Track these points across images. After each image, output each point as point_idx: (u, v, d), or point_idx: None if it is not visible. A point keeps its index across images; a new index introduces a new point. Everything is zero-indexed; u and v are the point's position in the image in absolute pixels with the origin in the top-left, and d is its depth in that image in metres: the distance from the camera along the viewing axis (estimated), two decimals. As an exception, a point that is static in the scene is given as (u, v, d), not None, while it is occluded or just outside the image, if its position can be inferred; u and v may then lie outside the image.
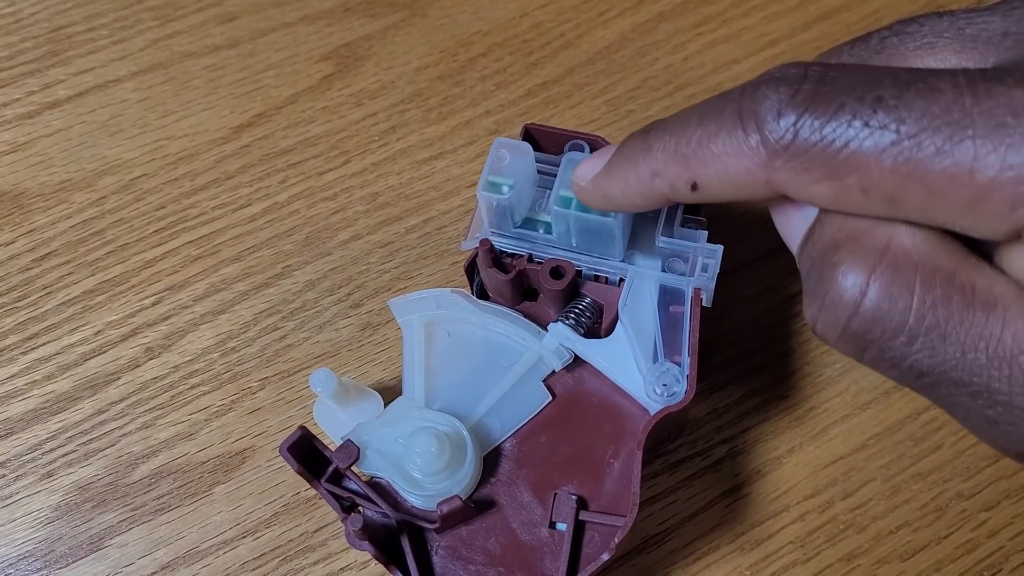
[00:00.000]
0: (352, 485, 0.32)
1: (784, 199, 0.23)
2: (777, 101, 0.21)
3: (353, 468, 0.31)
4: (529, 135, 0.35)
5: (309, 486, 0.31)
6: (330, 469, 0.31)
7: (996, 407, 0.20)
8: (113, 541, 0.36)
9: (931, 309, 0.20)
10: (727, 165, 0.22)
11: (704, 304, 0.32)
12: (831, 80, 0.21)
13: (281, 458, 0.30)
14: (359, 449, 0.31)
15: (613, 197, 0.27)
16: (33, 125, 0.45)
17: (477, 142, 0.44)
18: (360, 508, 0.31)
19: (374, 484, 0.32)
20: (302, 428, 0.31)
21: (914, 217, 0.20)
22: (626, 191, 0.26)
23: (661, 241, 0.32)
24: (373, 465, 0.32)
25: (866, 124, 0.20)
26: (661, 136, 0.24)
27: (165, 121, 0.45)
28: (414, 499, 0.31)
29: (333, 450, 0.31)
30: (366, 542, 0.29)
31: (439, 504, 0.30)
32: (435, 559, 0.31)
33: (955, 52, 0.22)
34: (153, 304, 0.40)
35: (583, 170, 0.28)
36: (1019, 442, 0.20)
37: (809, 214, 0.22)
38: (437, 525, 0.31)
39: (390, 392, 0.34)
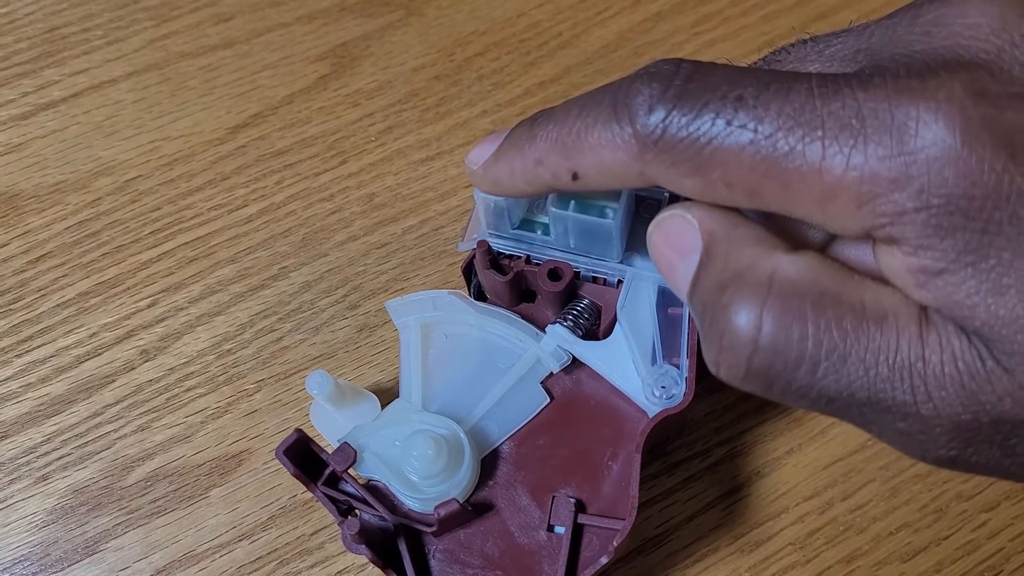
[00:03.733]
0: (349, 488, 0.31)
1: (666, 245, 0.24)
2: (649, 96, 0.21)
3: (350, 471, 0.31)
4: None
5: (306, 489, 0.31)
6: (327, 472, 0.31)
7: (907, 419, 0.20)
8: (108, 545, 0.36)
9: (826, 333, 0.20)
10: (603, 157, 0.23)
11: None
12: (700, 77, 0.21)
13: (277, 461, 0.30)
14: (356, 452, 0.31)
15: (501, 182, 0.27)
16: (28, 126, 0.45)
17: (474, 142, 0.43)
18: (357, 512, 0.31)
19: (371, 487, 0.32)
20: (298, 431, 0.31)
21: (775, 209, 0.21)
22: (512, 177, 0.26)
23: None
24: (370, 468, 0.31)
25: (728, 123, 0.20)
26: (545, 125, 0.25)
27: (161, 122, 0.45)
28: (411, 502, 0.31)
29: (330, 453, 0.31)
30: (363, 546, 0.29)
31: (436, 507, 0.30)
32: (432, 563, 0.31)
33: (819, 71, 0.23)
34: (148, 306, 0.40)
35: (474, 155, 0.28)
36: (934, 449, 0.21)
37: (692, 261, 0.23)
38: (434, 528, 0.30)
39: (387, 394, 0.34)
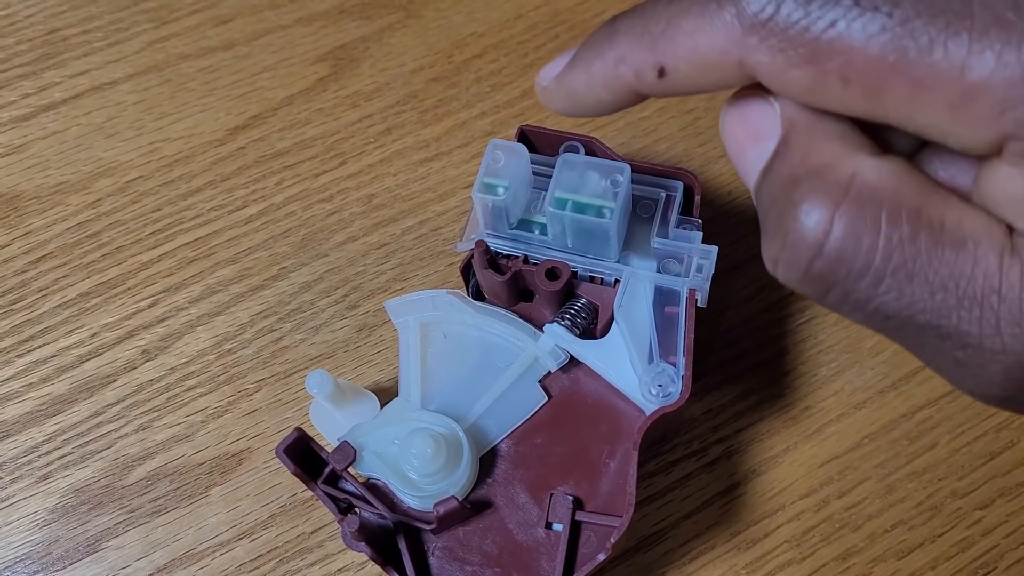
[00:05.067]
0: (349, 487, 0.32)
1: (741, 126, 0.22)
2: None
3: (350, 470, 0.31)
4: (524, 136, 0.35)
5: (306, 488, 0.31)
6: (327, 471, 0.31)
7: (966, 349, 0.19)
8: (110, 543, 0.36)
9: (898, 248, 0.19)
10: (697, 43, 0.20)
11: (699, 305, 0.32)
12: None
13: (278, 459, 0.30)
14: (355, 451, 0.31)
15: (577, 92, 0.24)
16: (29, 127, 0.45)
17: (472, 143, 0.44)
18: (357, 509, 0.31)
19: (371, 485, 0.32)
20: (298, 430, 0.31)
21: (892, 115, 0.19)
22: (590, 83, 0.23)
23: (656, 242, 0.32)
24: (369, 466, 0.32)
25: (856, 3, 0.18)
26: (629, 19, 0.22)
27: (161, 123, 0.45)
28: (411, 500, 0.31)
29: (329, 452, 0.31)
30: (363, 543, 0.29)
31: (435, 505, 0.30)
32: (432, 560, 0.31)
33: None
34: (149, 306, 0.40)
35: (547, 70, 0.25)
36: (988, 384, 0.19)
37: (767, 148, 0.21)
38: (434, 526, 0.31)
39: (386, 393, 0.34)
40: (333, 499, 0.31)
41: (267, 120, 0.45)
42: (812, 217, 0.19)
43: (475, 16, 0.47)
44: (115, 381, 0.39)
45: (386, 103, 0.45)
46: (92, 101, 0.46)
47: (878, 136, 0.21)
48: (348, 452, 0.31)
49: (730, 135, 0.22)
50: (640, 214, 0.33)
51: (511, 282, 0.34)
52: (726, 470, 0.37)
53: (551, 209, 0.31)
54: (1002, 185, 0.19)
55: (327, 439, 0.34)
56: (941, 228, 0.19)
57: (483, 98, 0.45)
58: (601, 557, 0.30)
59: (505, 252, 0.34)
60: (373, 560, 0.30)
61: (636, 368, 0.32)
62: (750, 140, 0.21)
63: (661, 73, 0.21)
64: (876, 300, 0.19)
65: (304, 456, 0.31)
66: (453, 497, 0.30)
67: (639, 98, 0.23)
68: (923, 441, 0.37)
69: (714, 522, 0.36)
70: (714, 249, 0.32)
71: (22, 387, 0.39)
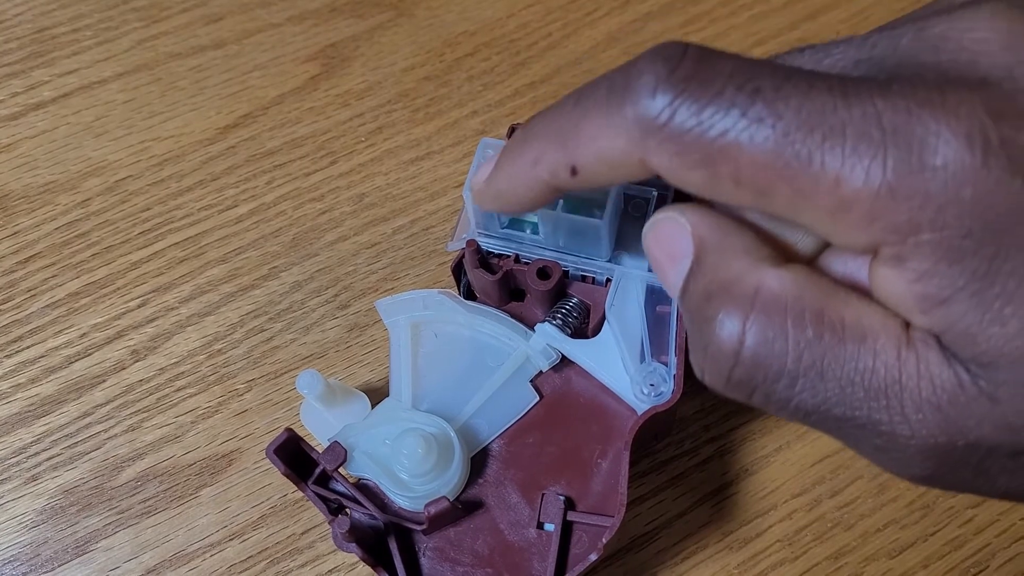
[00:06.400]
0: (339, 487, 0.32)
1: (659, 249, 0.23)
2: (654, 77, 0.20)
3: (340, 470, 0.31)
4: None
5: (296, 488, 0.31)
6: (317, 471, 0.31)
7: (882, 436, 0.20)
8: (99, 545, 0.36)
9: (806, 349, 0.20)
10: (602, 145, 0.21)
11: None
12: (710, 62, 0.20)
13: (268, 460, 0.30)
14: (346, 451, 0.31)
15: (502, 193, 0.25)
16: (17, 126, 0.45)
17: (464, 142, 0.44)
18: (347, 510, 0.31)
19: (361, 486, 0.32)
20: (289, 430, 0.31)
21: (780, 213, 0.20)
22: (511, 184, 0.25)
23: None
24: (360, 467, 0.32)
25: (743, 114, 0.19)
26: (540, 122, 0.24)
27: (151, 122, 0.45)
28: (402, 501, 0.31)
29: (320, 452, 0.31)
30: (353, 544, 0.29)
31: (426, 505, 0.30)
32: (423, 560, 0.31)
33: None
34: (139, 306, 0.40)
35: (480, 174, 0.27)
36: (909, 466, 0.21)
37: (684, 267, 0.22)
38: (425, 526, 0.31)
39: (377, 394, 0.34)
40: (324, 499, 0.31)
41: (257, 119, 0.45)
42: (726, 328, 0.21)
43: (467, 14, 0.47)
44: (104, 382, 0.39)
45: (377, 102, 0.45)
46: (81, 100, 0.45)
47: (784, 237, 0.23)
48: (339, 452, 0.31)
49: (651, 256, 0.24)
50: (632, 213, 0.33)
51: (502, 281, 0.33)
52: (718, 469, 0.36)
53: (542, 208, 0.31)
54: (885, 284, 0.20)
55: (318, 439, 0.33)
56: (842, 326, 0.20)
57: (475, 97, 0.45)
58: (593, 557, 0.29)
59: (496, 251, 0.33)
60: (363, 561, 0.30)
61: (628, 367, 0.32)
62: (668, 261, 0.23)
63: (573, 172, 0.23)
64: (795, 399, 0.21)
65: (294, 456, 0.31)
66: (444, 497, 0.30)
67: (559, 193, 0.24)
68: (915, 440, 0.36)
69: (706, 522, 0.36)
70: None
71: (10, 388, 0.39)
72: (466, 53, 0.46)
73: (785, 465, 0.36)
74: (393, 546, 0.31)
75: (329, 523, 0.30)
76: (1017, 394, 0.19)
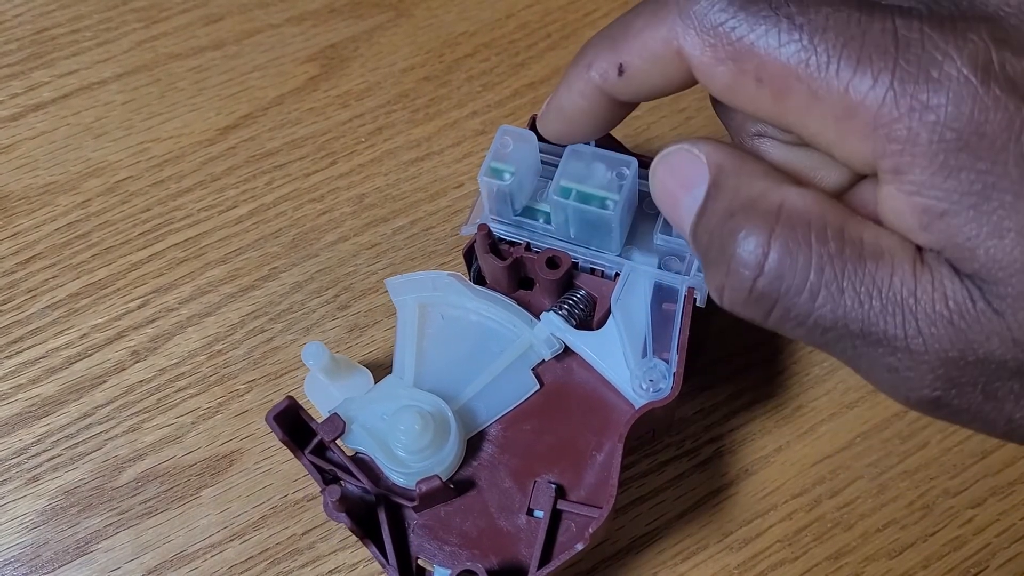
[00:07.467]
0: (335, 457, 0.32)
1: (672, 178, 0.24)
2: None
3: (338, 442, 0.31)
4: (536, 126, 0.35)
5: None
6: (315, 441, 0.32)
7: (896, 353, 0.21)
8: (99, 546, 0.36)
9: (828, 263, 0.21)
10: (646, 37, 0.24)
11: (697, 304, 0.32)
12: None
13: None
14: (345, 423, 0.31)
15: (563, 108, 0.27)
16: (17, 127, 0.45)
17: (464, 143, 0.44)
18: (341, 481, 0.31)
19: (357, 459, 0.32)
20: (289, 398, 0.31)
21: (792, 120, 0.22)
22: (570, 95, 0.27)
23: (659, 239, 0.32)
24: (358, 440, 0.32)
25: (776, 16, 0.21)
26: (598, 32, 0.26)
27: (150, 123, 0.45)
28: (395, 477, 0.31)
29: (319, 422, 0.31)
30: (343, 514, 0.29)
31: (418, 483, 0.30)
32: (411, 536, 0.31)
33: None
34: (139, 307, 0.40)
35: (546, 102, 0.29)
36: (919, 387, 0.21)
37: (698, 193, 0.23)
38: (415, 503, 0.31)
39: (381, 370, 0.34)
40: (319, 469, 0.31)
41: (257, 120, 0.45)
42: (751, 242, 0.22)
43: (466, 15, 0.47)
44: (105, 382, 0.39)
45: (377, 102, 0.45)
46: (81, 101, 0.45)
47: (802, 178, 0.24)
48: (337, 424, 0.31)
49: (662, 187, 0.25)
50: (646, 210, 0.33)
51: (511, 268, 0.34)
52: (718, 470, 0.37)
53: (555, 197, 0.31)
54: (888, 202, 0.21)
55: (320, 411, 0.33)
56: (861, 243, 0.21)
57: (474, 97, 0.45)
58: (579, 547, 0.30)
59: (508, 238, 0.34)
60: (352, 532, 0.30)
61: (629, 361, 0.32)
62: (682, 189, 0.24)
63: (621, 70, 0.25)
64: (815, 313, 0.21)
65: (293, 425, 0.31)
66: (436, 476, 0.30)
67: (614, 106, 0.26)
68: (915, 440, 0.37)
69: (706, 522, 0.36)
70: None
71: (11, 389, 0.39)
72: (466, 54, 0.46)
73: (785, 466, 0.36)
74: (383, 519, 0.31)
75: (321, 492, 0.30)
76: (1019, 307, 0.20)
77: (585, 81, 0.26)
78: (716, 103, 0.26)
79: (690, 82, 0.24)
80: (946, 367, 0.21)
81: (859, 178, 0.25)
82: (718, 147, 0.23)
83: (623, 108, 0.27)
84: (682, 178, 0.24)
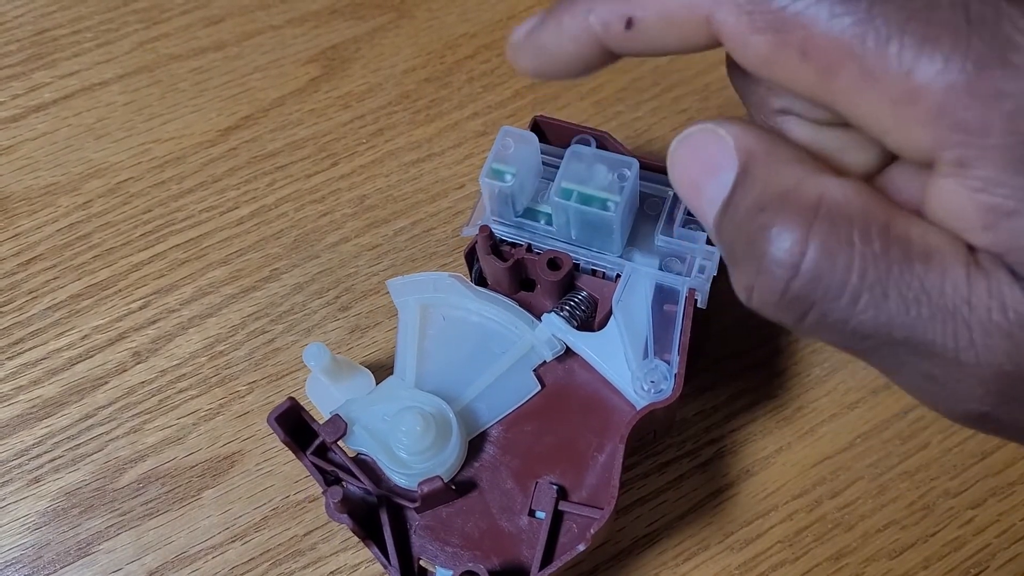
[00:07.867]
0: (337, 459, 0.32)
1: (695, 161, 0.21)
2: None
3: (339, 443, 0.31)
4: (537, 127, 0.35)
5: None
6: (316, 442, 0.32)
7: (943, 365, 0.19)
8: (101, 547, 0.36)
9: (872, 265, 0.19)
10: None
11: (699, 305, 0.32)
12: None
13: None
14: (346, 424, 0.31)
15: (545, 47, 0.23)
16: (18, 128, 0.45)
17: (464, 144, 0.44)
18: (343, 483, 0.31)
19: (359, 461, 0.32)
20: (291, 399, 0.31)
21: (839, 100, 0.19)
22: (558, 36, 0.22)
23: (660, 240, 0.32)
24: (359, 441, 0.32)
25: None
26: None
27: (151, 124, 0.45)
28: (397, 478, 0.31)
29: (321, 424, 0.31)
30: (345, 515, 0.29)
31: (420, 484, 0.30)
32: (413, 538, 0.31)
33: None
34: (140, 308, 0.40)
35: (520, 27, 0.24)
36: (967, 401, 0.19)
37: (725, 180, 0.21)
38: (417, 504, 0.31)
39: (383, 372, 0.34)
40: (321, 470, 0.31)
41: (258, 121, 0.45)
42: (785, 240, 0.19)
43: (467, 16, 0.47)
44: (106, 383, 0.39)
45: (378, 104, 0.45)
46: (82, 102, 0.45)
47: (833, 160, 0.22)
48: (339, 425, 0.31)
49: (682, 172, 0.22)
50: (647, 211, 0.33)
51: (513, 269, 0.34)
52: (719, 471, 0.37)
53: (556, 199, 0.31)
54: (943, 196, 0.19)
55: (321, 412, 0.34)
56: (908, 242, 0.19)
57: (475, 99, 0.45)
58: (580, 548, 0.30)
59: (509, 239, 0.34)
60: (354, 533, 0.30)
61: (630, 363, 0.32)
62: (705, 175, 0.21)
63: (628, 24, 0.21)
64: (854, 319, 0.19)
65: (295, 426, 0.31)
66: (438, 477, 0.30)
67: (605, 56, 0.22)
68: (915, 441, 0.37)
69: (707, 523, 0.36)
70: (718, 251, 0.32)
71: (12, 390, 0.39)
72: (467, 55, 0.46)
73: (786, 466, 0.36)
74: (384, 521, 0.31)
75: (323, 493, 0.30)
76: None
77: (581, 26, 0.22)
78: (734, 72, 0.23)
79: (707, 46, 0.21)
80: (999, 382, 0.19)
81: (890, 161, 0.22)
82: (747, 129, 0.21)
83: (614, 59, 0.23)
84: (706, 163, 0.21)
